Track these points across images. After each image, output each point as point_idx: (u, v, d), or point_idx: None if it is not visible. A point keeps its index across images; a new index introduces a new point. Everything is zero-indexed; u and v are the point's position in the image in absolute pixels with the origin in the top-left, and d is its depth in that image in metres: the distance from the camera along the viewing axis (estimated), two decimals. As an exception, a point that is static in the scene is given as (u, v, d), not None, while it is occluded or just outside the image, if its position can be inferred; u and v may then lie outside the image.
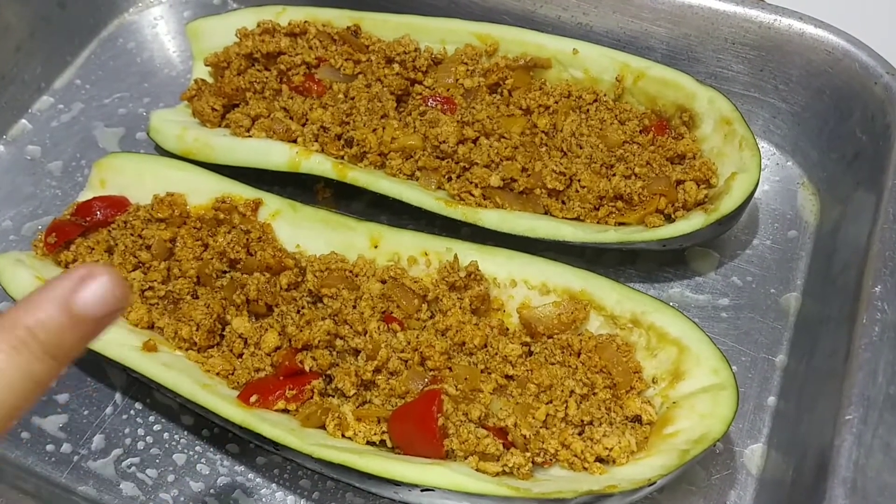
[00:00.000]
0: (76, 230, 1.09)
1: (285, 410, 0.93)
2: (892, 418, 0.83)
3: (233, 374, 0.97)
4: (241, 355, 0.99)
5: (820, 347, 0.99)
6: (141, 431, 1.02)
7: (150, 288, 1.04)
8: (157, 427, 1.03)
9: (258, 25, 1.27)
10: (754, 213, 1.17)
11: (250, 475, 0.99)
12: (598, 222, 1.09)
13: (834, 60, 1.10)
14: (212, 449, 1.01)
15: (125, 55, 1.39)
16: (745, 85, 1.19)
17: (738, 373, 1.04)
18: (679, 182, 1.09)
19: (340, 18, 1.27)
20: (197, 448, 1.01)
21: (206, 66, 1.28)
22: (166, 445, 1.01)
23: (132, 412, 1.04)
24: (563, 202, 1.10)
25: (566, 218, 1.09)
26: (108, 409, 1.04)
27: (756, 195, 1.14)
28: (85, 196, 1.14)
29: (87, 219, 1.10)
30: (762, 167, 1.18)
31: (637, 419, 0.90)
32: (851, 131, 1.10)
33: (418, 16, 1.25)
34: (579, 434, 0.89)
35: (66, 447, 1.01)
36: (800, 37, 1.12)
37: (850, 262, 0.99)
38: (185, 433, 1.02)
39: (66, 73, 1.37)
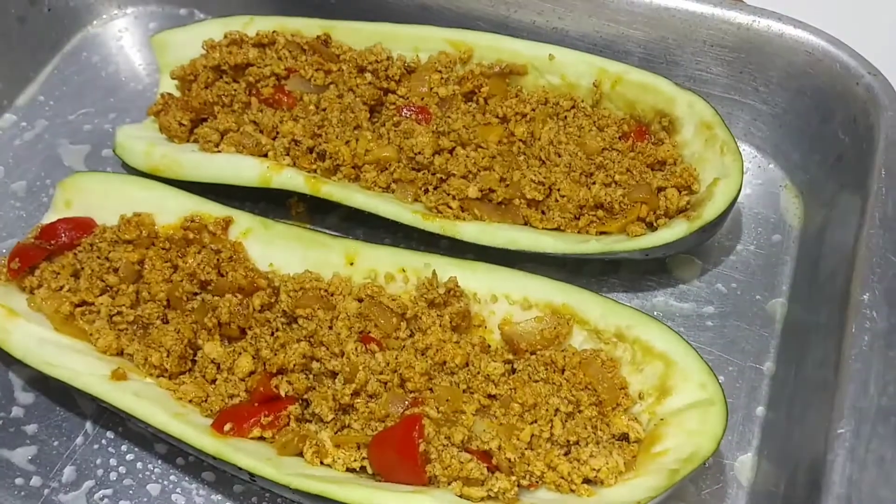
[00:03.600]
0: (40, 254, 1.05)
1: (261, 438, 0.90)
2: (885, 430, 0.80)
3: (206, 401, 0.94)
4: (214, 381, 0.95)
5: (808, 356, 0.97)
6: (113, 461, 0.99)
7: (119, 313, 1.00)
8: (129, 456, 0.99)
9: (225, 36, 1.23)
10: (737, 217, 1.15)
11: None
12: (578, 232, 1.07)
13: (814, 61, 1.08)
14: (187, 478, 0.97)
15: (90, 69, 1.35)
16: (725, 87, 1.17)
17: (725, 383, 1.02)
18: (660, 189, 1.06)
19: (310, 27, 1.23)
20: (171, 478, 0.98)
21: (173, 79, 1.24)
22: (140, 476, 0.98)
23: (104, 441, 1.00)
24: (543, 212, 1.08)
25: (546, 228, 1.07)
26: (79, 440, 1.00)
27: (738, 199, 1.12)
28: (49, 218, 1.10)
29: (52, 242, 1.07)
30: (744, 170, 1.17)
31: (624, 437, 0.88)
32: (834, 133, 1.08)
33: (390, 23, 1.22)
34: (565, 454, 0.86)
35: (35, 480, 0.97)
36: (779, 38, 1.10)
37: (836, 268, 0.97)
38: (159, 462, 0.99)
39: (29, 89, 1.32)
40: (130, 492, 0.97)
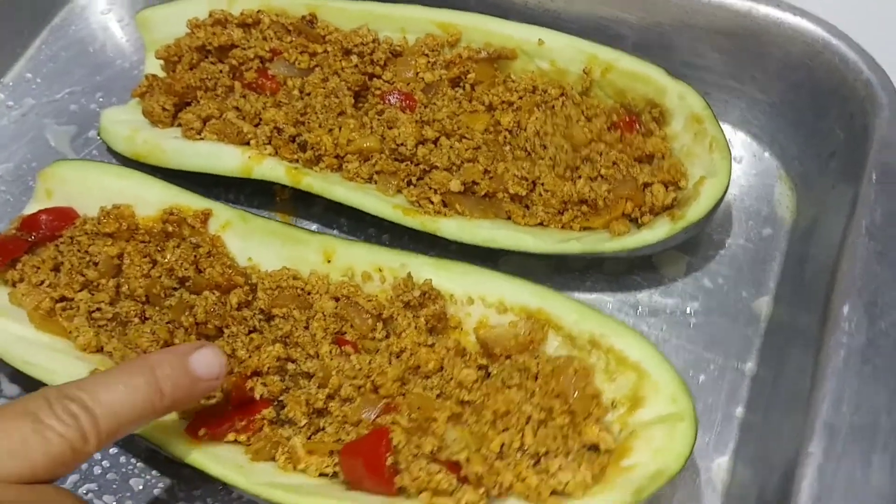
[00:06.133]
0: (22, 247, 1.05)
1: (236, 441, 0.91)
2: (856, 449, 0.79)
3: (183, 401, 0.95)
4: (192, 380, 0.96)
5: (789, 361, 0.96)
6: (98, 455, 1.00)
7: (98, 309, 1.01)
8: (113, 450, 1.00)
9: (210, 15, 1.21)
10: (728, 209, 1.12)
11: (208, 499, 0.97)
12: (562, 227, 1.05)
13: (813, 52, 1.04)
14: (169, 472, 0.99)
15: (77, 45, 1.33)
16: (722, 74, 1.13)
17: (705, 382, 1.01)
18: (647, 185, 1.04)
19: (295, 6, 1.20)
20: (154, 472, 0.99)
21: (158, 59, 1.22)
22: (123, 470, 0.99)
23: (88, 433, 1.02)
24: (527, 206, 1.06)
25: (529, 224, 1.05)
26: (64, 431, 1.02)
27: (731, 190, 1.10)
28: (31, 208, 1.10)
29: (33, 234, 1.06)
30: (739, 159, 1.14)
31: (595, 446, 0.87)
32: (830, 128, 1.04)
33: (378, 2, 1.18)
34: (535, 464, 0.86)
35: (22, 471, 0.99)
36: (777, 26, 1.05)
37: (820, 272, 0.95)
38: (142, 456, 1.00)
39: (17, 66, 1.31)
40: (114, 486, 0.98)
